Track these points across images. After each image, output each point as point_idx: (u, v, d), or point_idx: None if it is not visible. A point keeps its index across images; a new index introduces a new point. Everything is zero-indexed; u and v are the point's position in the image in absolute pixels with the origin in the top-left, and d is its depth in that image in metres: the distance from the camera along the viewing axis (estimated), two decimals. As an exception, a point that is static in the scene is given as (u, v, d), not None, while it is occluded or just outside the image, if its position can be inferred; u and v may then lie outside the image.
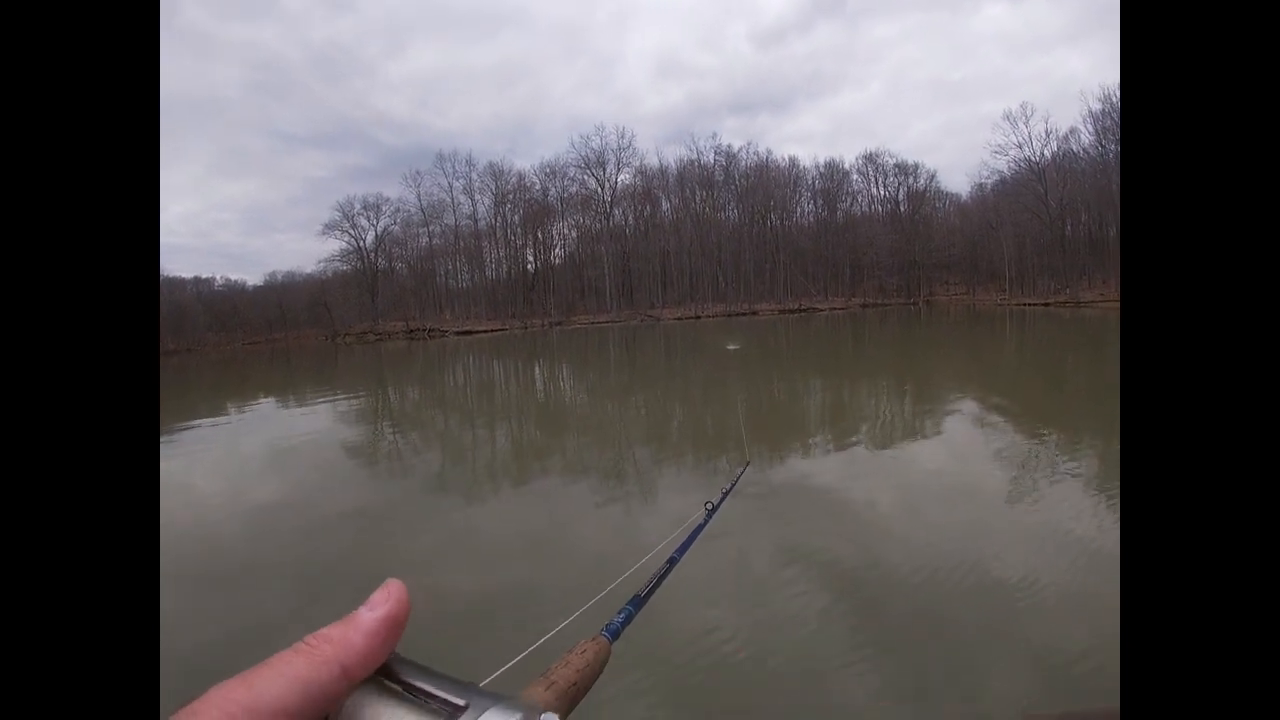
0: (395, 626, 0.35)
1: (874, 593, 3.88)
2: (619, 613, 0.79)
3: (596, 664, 0.62)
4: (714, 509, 1.40)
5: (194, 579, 5.19)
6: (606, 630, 0.72)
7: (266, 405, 18.70)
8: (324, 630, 0.34)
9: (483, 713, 0.32)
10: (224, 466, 10.13)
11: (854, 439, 8.08)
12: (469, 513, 6.30)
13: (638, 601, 0.84)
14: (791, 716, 2.95)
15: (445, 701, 0.33)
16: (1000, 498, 5.43)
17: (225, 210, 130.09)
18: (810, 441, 8.17)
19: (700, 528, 1.25)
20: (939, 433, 8.24)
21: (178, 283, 73.35)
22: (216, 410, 17.69)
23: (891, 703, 2.92)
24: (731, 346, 25.13)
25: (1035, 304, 56.61)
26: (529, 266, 79.05)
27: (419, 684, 0.35)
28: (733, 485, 1.66)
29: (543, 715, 0.32)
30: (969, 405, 9.97)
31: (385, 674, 0.35)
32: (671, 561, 1.02)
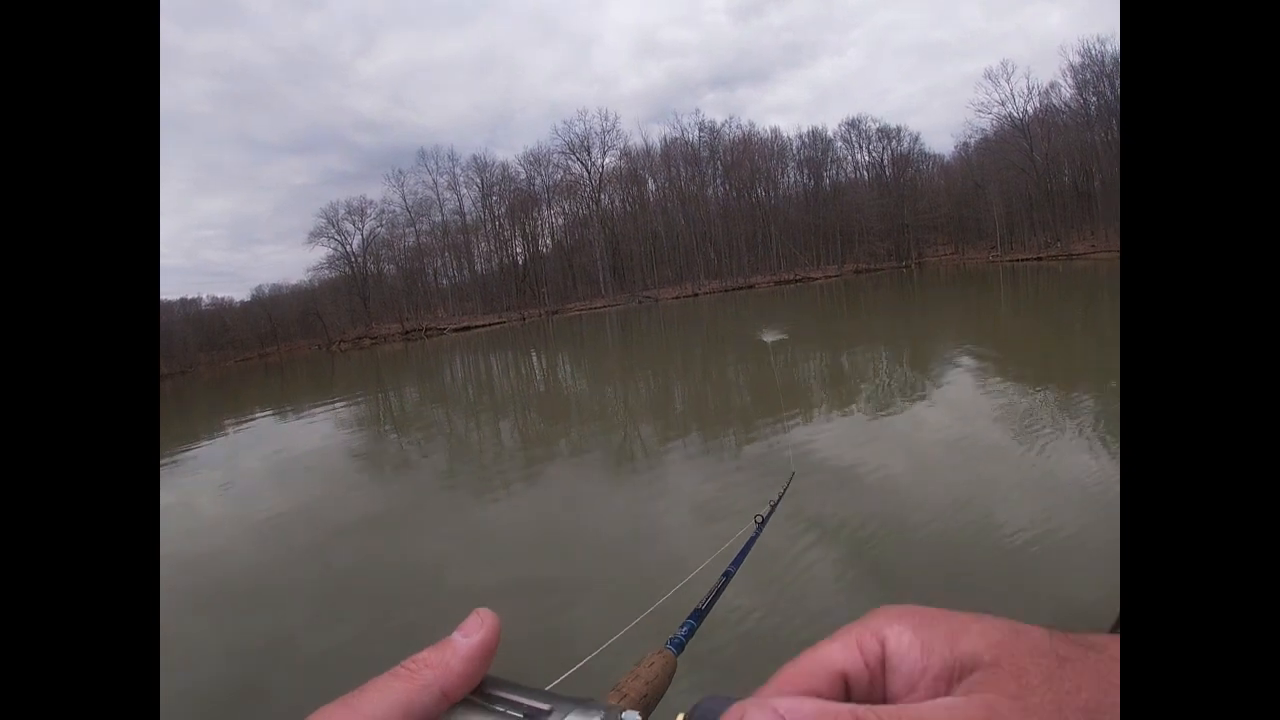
0: (489, 653, 0.37)
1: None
2: (681, 626, 0.82)
3: (664, 676, 0.63)
4: (764, 521, 1.43)
5: (245, 596, 5.28)
6: (671, 643, 0.74)
7: (287, 419, 19.42)
8: (421, 655, 0.36)
9: (566, 715, 0.34)
10: (249, 484, 10.15)
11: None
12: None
13: (698, 615, 0.88)
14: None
15: (531, 708, 0.35)
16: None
17: (208, 227, 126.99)
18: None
19: (752, 541, 1.29)
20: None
21: (165, 306, 71.78)
22: (215, 429, 17.77)
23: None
24: (768, 338, 18.66)
25: (1027, 259, 56.96)
26: (519, 257, 78.62)
27: (504, 695, 0.37)
28: (780, 497, 1.66)
29: (624, 714, 0.34)
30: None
31: (474, 691, 0.37)
32: (727, 575, 1.06)
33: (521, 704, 0.36)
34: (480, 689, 0.37)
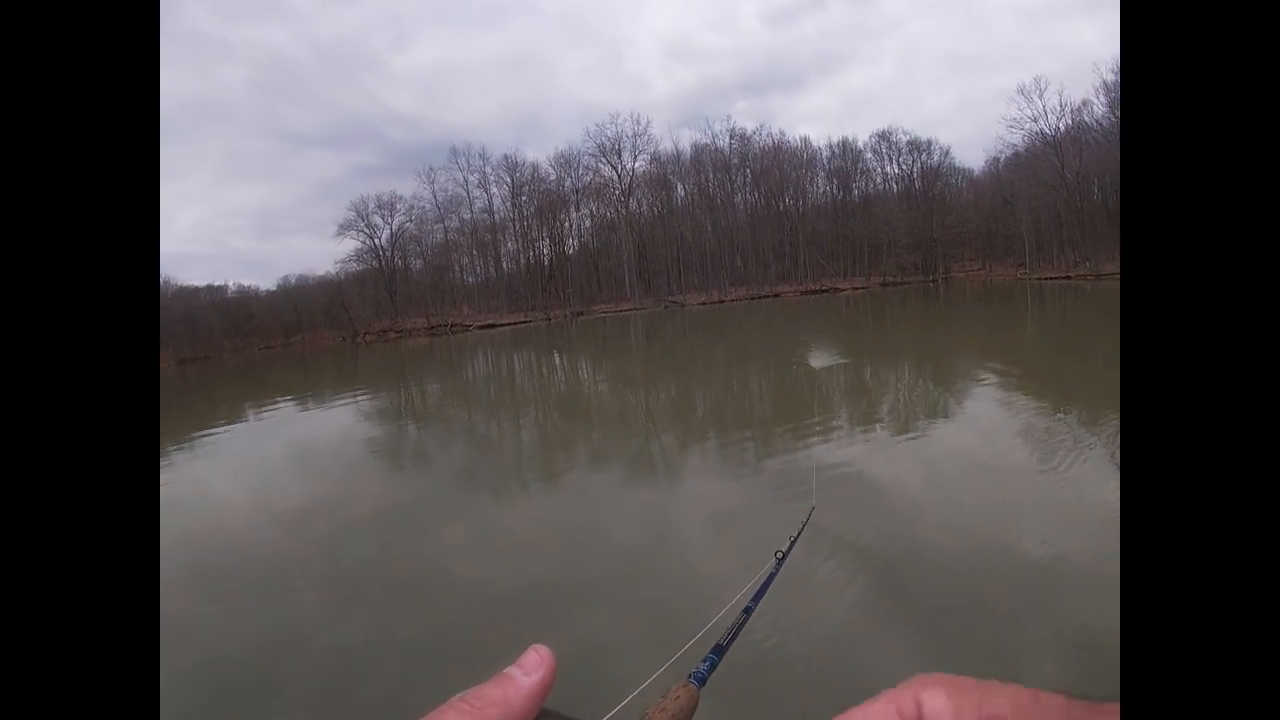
0: (547, 689, 0.39)
1: None
2: (703, 661, 0.84)
3: (688, 709, 0.65)
4: (784, 557, 1.41)
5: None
6: (693, 677, 0.76)
7: (307, 407, 20.04)
8: (482, 691, 0.37)
9: None
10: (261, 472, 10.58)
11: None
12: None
13: (720, 650, 0.90)
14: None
15: None
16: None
17: (237, 215, 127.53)
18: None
19: (772, 577, 1.29)
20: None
21: (190, 291, 72.83)
22: (237, 415, 18.90)
23: None
24: (817, 362, 16.18)
25: (1055, 278, 56.20)
26: (545, 258, 78.89)
27: None
28: (800, 532, 1.65)
29: None
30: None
31: None
32: (747, 611, 1.08)
33: None
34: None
